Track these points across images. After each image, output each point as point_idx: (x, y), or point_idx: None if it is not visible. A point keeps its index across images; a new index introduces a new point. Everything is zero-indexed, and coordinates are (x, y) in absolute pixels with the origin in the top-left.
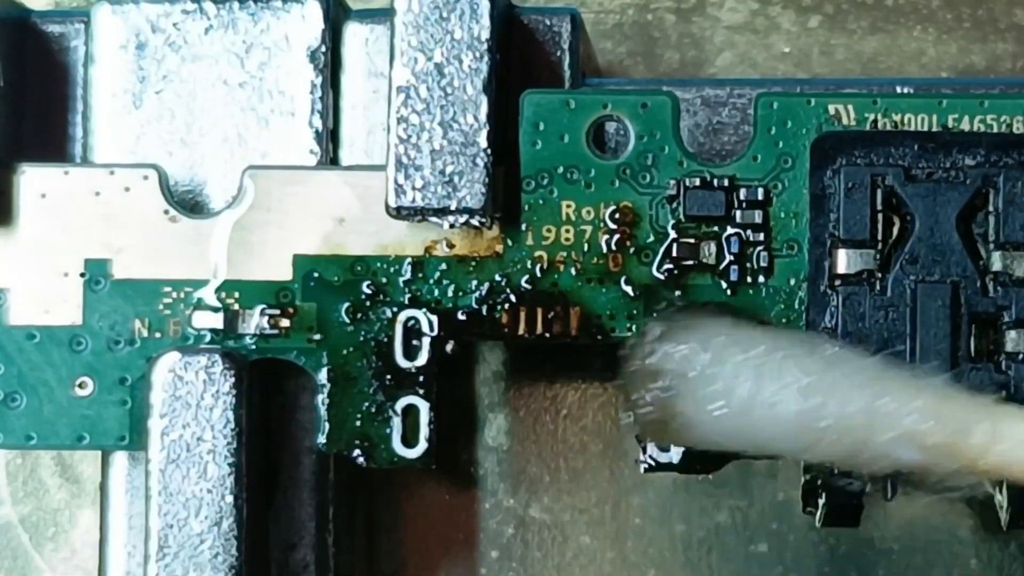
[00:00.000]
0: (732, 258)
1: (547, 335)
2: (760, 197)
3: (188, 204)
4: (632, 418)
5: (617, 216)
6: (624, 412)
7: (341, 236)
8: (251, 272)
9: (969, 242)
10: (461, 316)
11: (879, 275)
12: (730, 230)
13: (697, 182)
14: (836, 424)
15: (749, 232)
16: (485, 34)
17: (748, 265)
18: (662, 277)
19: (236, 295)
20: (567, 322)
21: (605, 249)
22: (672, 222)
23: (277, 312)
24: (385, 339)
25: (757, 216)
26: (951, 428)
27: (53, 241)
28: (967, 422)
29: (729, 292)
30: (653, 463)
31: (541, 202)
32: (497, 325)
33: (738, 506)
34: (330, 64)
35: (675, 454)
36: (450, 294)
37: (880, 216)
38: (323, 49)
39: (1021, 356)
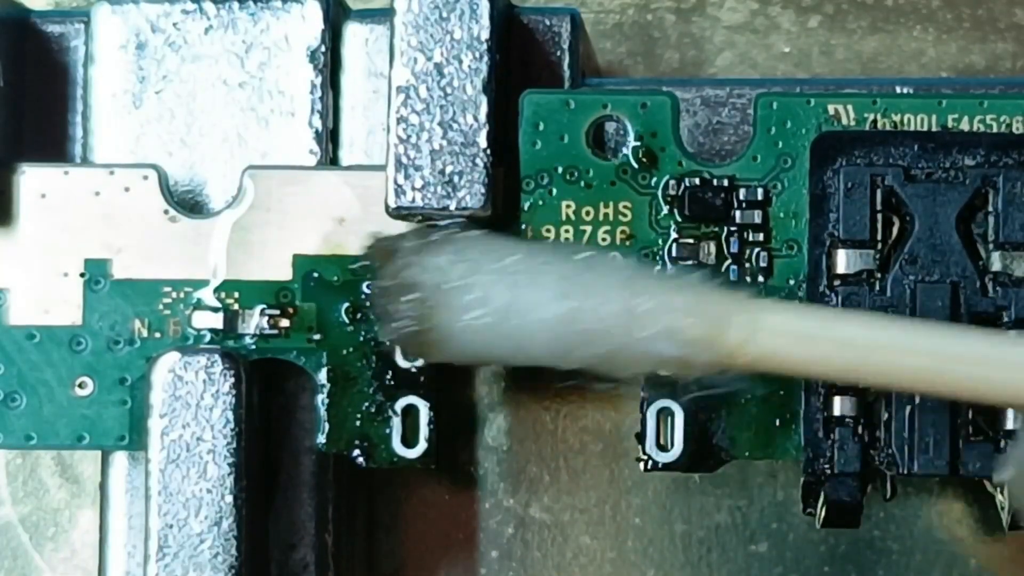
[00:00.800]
0: (732, 258)
1: None
2: (760, 197)
3: (188, 204)
4: (386, 333)
5: (617, 216)
6: (381, 332)
7: (341, 236)
8: (251, 272)
9: (969, 242)
10: None
11: (879, 275)
12: (730, 230)
13: (697, 182)
14: (594, 326)
15: (749, 232)
16: (485, 34)
17: (747, 265)
18: None
19: (236, 295)
20: None
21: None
22: (672, 222)
23: (277, 312)
24: None
25: (757, 216)
26: (709, 322)
27: (53, 241)
28: (725, 316)
29: None
30: (653, 463)
31: (541, 202)
32: None
33: (738, 506)
34: (330, 64)
35: (675, 453)
36: None
37: (880, 216)
38: (323, 49)
39: None
